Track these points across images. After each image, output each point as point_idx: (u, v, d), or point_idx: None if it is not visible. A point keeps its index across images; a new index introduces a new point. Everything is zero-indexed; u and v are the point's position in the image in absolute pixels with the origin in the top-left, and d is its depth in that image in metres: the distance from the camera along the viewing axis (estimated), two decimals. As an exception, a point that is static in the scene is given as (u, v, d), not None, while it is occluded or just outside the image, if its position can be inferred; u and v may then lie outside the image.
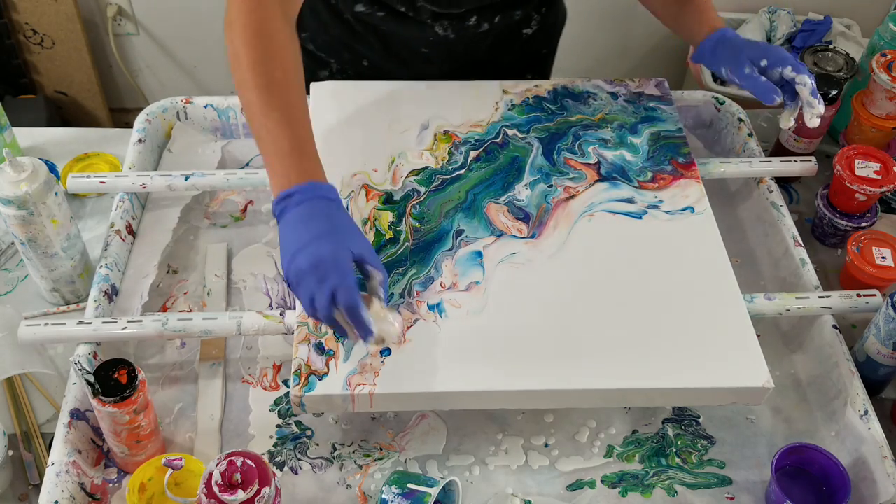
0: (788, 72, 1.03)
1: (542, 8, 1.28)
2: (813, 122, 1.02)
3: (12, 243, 1.15)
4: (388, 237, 1.03)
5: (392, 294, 0.97)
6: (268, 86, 0.89)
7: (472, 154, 1.13)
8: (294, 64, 0.94)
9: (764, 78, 1.03)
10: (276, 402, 1.02)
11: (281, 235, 0.85)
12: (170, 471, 0.87)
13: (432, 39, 1.22)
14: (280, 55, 0.91)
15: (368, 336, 0.82)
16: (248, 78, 0.89)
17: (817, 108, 1.02)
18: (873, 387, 1.04)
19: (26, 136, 1.31)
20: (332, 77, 1.31)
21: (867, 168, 1.17)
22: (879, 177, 1.16)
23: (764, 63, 1.03)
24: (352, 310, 0.81)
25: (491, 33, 1.24)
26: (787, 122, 1.06)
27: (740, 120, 1.30)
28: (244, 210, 1.22)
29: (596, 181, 1.10)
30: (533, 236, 1.04)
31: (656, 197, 1.09)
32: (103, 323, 0.99)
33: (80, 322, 0.99)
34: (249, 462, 0.83)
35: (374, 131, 1.15)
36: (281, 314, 0.99)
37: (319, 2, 1.24)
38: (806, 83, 1.02)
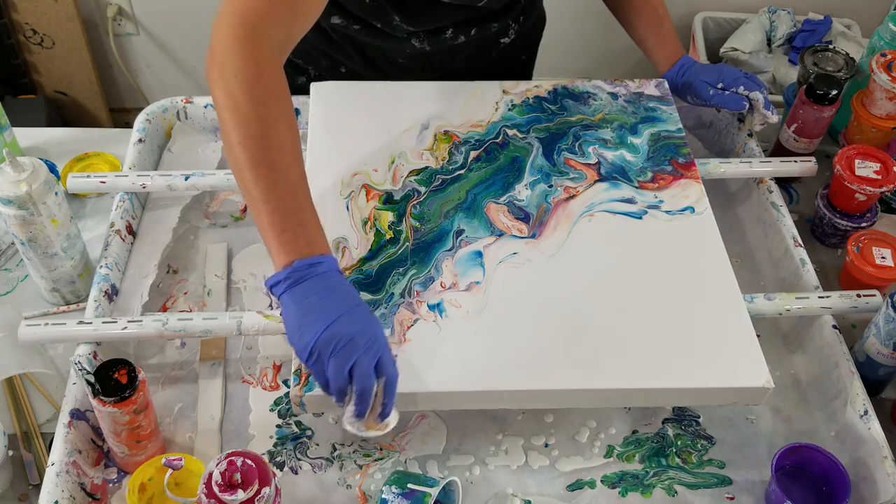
0: (742, 90, 1.17)
1: (520, 17, 1.28)
2: (758, 127, 1.21)
3: (12, 243, 1.15)
4: (388, 237, 1.03)
5: (392, 294, 0.97)
6: (265, 163, 0.83)
7: (473, 154, 1.13)
8: (290, 128, 0.87)
9: (727, 92, 1.18)
10: (276, 402, 1.02)
11: (298, 308, 0.81)
12: (170, 471, 0.87)
13: (409, 52, 1.22)
14: (277, 126, 0.85)
15: (383, 416, 0.82)
16: (240, 157, 0.84)
17: (770, 118, 1.18)
18: (873, 387, 1.04)
19: (26, 136, 1.31)
20: (308, 83, 1.31)
21: (867, 168, 1.17)
22: (879, 177, 1.16)
23: (720, 85, 1.18)
24: (392, 381, 0.80)
25: (468, 45, 1.24)
26: (750, 125, 1.24)
27: (740, 120, 1.30)
28: (244, 210, 1.22)
29: (596, 181, 1.10)
30: (533, 236, 1.04)
31: (656, 197, 1.09)
32: (103, 323, 0.99)
33: (80, 322, 0.99)
34: (249, 462, 0.83)
35: (374, 131, 1.15)
36: (281, 314, 0.99)
37: None
38: (758, 98, 1.17)
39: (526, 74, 1.42)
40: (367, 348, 0.79)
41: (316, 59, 1.28)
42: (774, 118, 1.18)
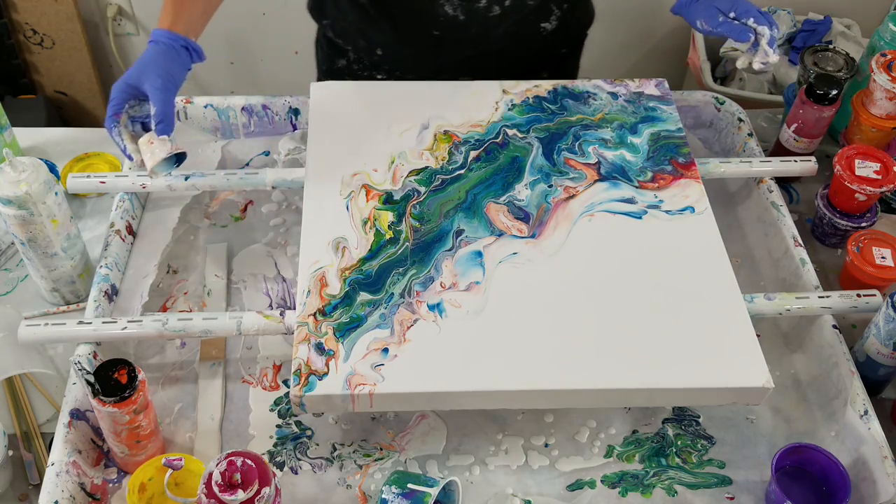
0: (751, 22, 1.12)
1: (565, 4, 1.27)
2: (758, 65, 1.13)
3: (12, 243, 1.15)
4: (388, 237, 1.03)
5: (392, 294, 0.97)
6: None
7: (473, 154, 1.13)
8: None
9: (737, 22, 1.12)
10: (276, 402, 1.02)
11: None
12: (170, 471, 0.87)
13: (443, 20, 1.21)
14: None
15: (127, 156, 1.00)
16: None
17: (771, 56, 1.12)
18: (873, 387, 1.04)
19: (26, 136, 1.31)
20: (349, 66, 1.33)
21: (867, 168, 1.17)
22: (879, 177, 1.16)
23: (732, 14, 1.13)
24: (109, 131, 0.99)
25: (504, 19, 1.23)
26: (743, 63, 1.15)
27: (740, 120, 1.30)
28: (244, 210, 1.22)
29: (596, 181, 1.10)
30: (533, 236, 1.04)
31: (656, 197, 1.09)
32: (103, 323, 0.99)
33: (80, 322, 0.99)
34: (249, 462, 0.83)
35: (375, 131, 1.15)
36: (281, 314, 0.99)
37: None
38: (765, 33, 1.12)
39: (565, 71, 1.40)
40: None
41: (354, 39, 1.29)
42: (775, 57, 1.12)
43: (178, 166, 1.03)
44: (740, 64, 1.15)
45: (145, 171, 1.06)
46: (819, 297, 1.06)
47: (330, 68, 1.35)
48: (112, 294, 1.08)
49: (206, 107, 1.27)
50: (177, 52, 1.01)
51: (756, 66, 1.13)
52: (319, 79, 1.40)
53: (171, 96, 0.98)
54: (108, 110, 0.99)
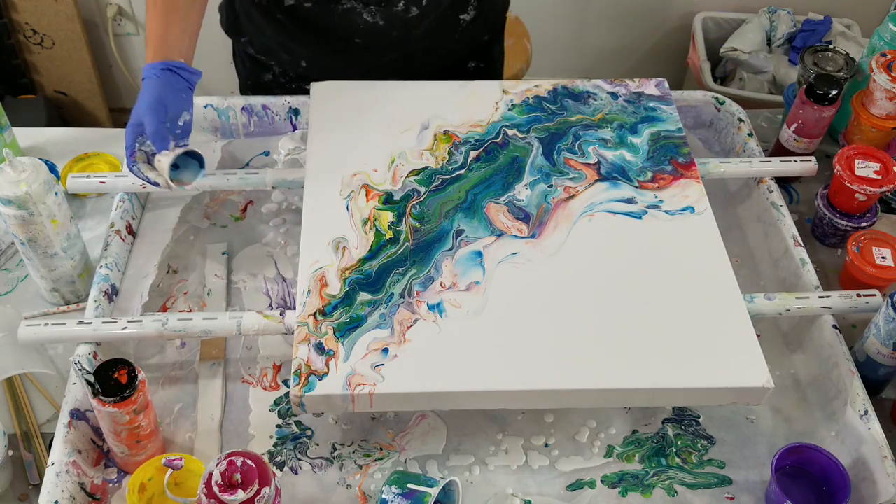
0: None
1: None
2: None
3: (12, 243, 1.15)
4: (388, 237, 1.03)
5: (392, 294, 0.97)
6: None
7: (472, 154, 1.13)
8: None
9: None
10: (276, 402, 1.02)
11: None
12: (170, 471, 0.87)
13: (363, 27, 1.21)
14: None
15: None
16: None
17: None
18: (873, 387, 1.04)
19: (26, 136, 1.31)
20: (275, 79, 1.33)
21: (867, 168, 1.17)
22: (879, 177, 1.16)
23: None
24: (133, 173, 1.02)
25: (423, 19, 1.23)
26: None
27: (740, 120, 1.30)
28: (244, 210, 1.22)
29: (596, 181, 1.10)
30: (533, 236, 1.04)
31: (656, 197, 1.09)
32: (103, 323, 0.99)
33: (80, 322, 0.99)
34: (249, 462, 0.83)
35: (374, 131, 1.15)
36: (281, 314, 0.99)
37: (251, 5, 1.25)
38: None
39: (492, 57, 1.40)
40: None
41: (277, 54, 1.29)
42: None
43: (203, 167, 1.03)
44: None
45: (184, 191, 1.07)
46: (819, 297, 1.06)
47: (256, 83, 1.35)
48: (112, 294, 1.08)
49: (206, 107, 1.27)
50: (165, 79, 1.02)
51: None
52: (244, 93, 1.40)
53: (158, 116, 0.99)
54: (126, 154, 1.00)
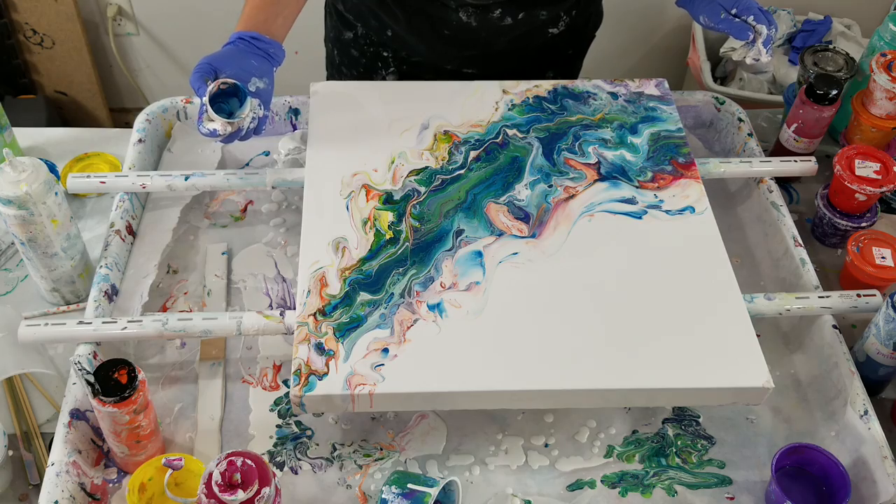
0: (751, 20, 1.15)
1: (573, 10, 1.29)
2: (749, 60, 1.16)
3: (12, 243, 1.15)
4: (388, 237, 1.03)
5: (392, 294, 0.97)
6: None
7: (472, 154, 1.13)
8: None
9: (738, 19, 1.15)
10: (276, 402, 1.02)
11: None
12: (170, 471, 0.87)
13: (455, 24, 1.24)
14: None
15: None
16: None
17: (763, 56, 1.15)
18: (873, 387, 1.04)
19: (26, 136, 1.31)
20: (355, 40, 1.34)
21: (867, 168, 1.17)
22: (879, 177, 1.16)
23: (734, 11, 1.15)
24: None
25: (514, 28, 1.25)
26: (739, 56, 1.18)
27: (740, 120, 1.30)
28: (244, 210, 1.22)
29: (596, 181, 1.10)
30: (533, 236, 1.04)
31: (656, 197, 1.09)
32: (103, 323, 0.99)
33: (80, 322, 0.99)
34: (249, 462, 0.83)
35: (374, 131, 1.15)
36: (281, 314, 0.99)
37: None
38: (762, 32, 1.14)
39: (570, 71, 1.42)
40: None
41: (365, 18, 1.31)
42: (766, 57, 1.15)
43: (242, 104, 1.04)
44: (736, 56, 1.18)
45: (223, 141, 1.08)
46: (819, 297, 1.06)
47: (338, 37, 1.38)
48: (112, 294, 1.08)
49: (206, 107, 1.27)
50: (234, 45, 1.07)
51: (748, 60, 1.16)
52: (327, 44, 1.43)
53: (203, 71, 1.03)
54: (195, 74, 1.04)
